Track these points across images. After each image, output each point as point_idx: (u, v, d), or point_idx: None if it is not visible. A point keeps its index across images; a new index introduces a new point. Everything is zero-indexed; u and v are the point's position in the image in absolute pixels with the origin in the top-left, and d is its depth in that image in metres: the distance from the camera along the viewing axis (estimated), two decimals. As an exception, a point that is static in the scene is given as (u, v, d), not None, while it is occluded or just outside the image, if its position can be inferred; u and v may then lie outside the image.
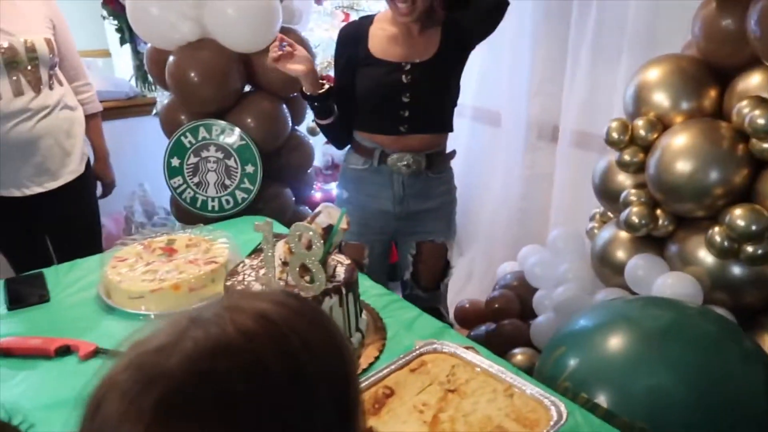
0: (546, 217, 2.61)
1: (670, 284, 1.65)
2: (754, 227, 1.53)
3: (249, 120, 2.20)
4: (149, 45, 2.34)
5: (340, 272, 1.28)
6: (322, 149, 3.04)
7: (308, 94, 1.69)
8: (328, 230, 1.23)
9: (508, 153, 2.75)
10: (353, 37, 1.76)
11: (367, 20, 1.78)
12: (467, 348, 1.22)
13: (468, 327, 2.28)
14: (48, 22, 1.95)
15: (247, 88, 2.33)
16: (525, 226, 2.71)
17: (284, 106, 2.32)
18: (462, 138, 2.95)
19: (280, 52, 1.60)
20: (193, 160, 2.20)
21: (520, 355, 1.94)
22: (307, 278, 1.22)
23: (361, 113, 1.77)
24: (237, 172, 2.19)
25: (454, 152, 1.86)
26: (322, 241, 1.18)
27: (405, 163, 1.75)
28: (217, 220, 2.00)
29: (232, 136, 2.18)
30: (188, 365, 0.46)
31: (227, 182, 2.20)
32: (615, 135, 1.81)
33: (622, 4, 2.20)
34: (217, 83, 2.16)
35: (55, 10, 2.00)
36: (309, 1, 2.51)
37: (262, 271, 1.28)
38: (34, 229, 2.08)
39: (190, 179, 2.21)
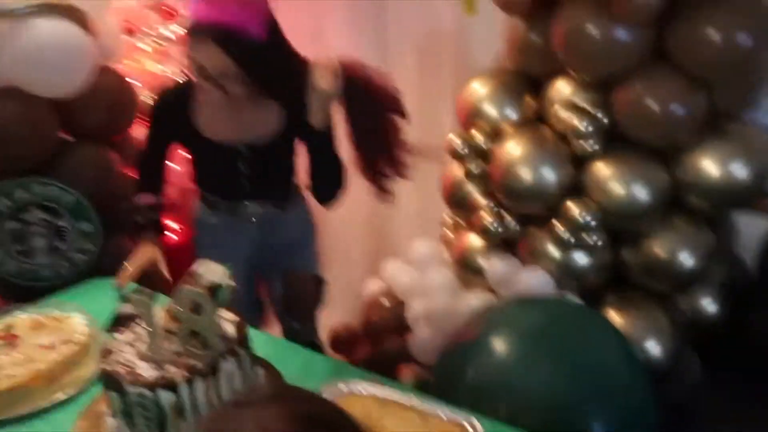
0: (398, 228, 2.70)
1: (526, 280, 1.80)
2: (587, 218, 1.73)
3: (76, 172, 1.97)
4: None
5: (229, 329, 1.21)
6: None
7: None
8: (214, 290, 1.16)
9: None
10: (173, 109, 1.63)
11: (188, 86, 1.61)
12: (372, 382, 1.23)
13: (346, 352, 2.26)
14: None
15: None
16: (378, 241, 2.78)
17: (110, 151, 2.12)
18: (300, 160, 2.93)
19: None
20: (13, 226, 1.91)
21: (406, 373, 1.98)
22: (195, 343, 1.14)
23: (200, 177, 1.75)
24: (70, 233, 1.94)
25: (297, 186, 1.83)
26: (211, 303, 1.11)
27: (253, 211, 1.74)
28: (56, 290, 1.78)
29: (58, 193, 1.93)
30: None
31: (59, 245, 1.94)
32: (457, 148, 1.94)
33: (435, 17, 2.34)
34: (29, 136, 1.90)
35: None
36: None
37: (142, 346, 1.16)
38: None
39: (12, 248, 1.92)
